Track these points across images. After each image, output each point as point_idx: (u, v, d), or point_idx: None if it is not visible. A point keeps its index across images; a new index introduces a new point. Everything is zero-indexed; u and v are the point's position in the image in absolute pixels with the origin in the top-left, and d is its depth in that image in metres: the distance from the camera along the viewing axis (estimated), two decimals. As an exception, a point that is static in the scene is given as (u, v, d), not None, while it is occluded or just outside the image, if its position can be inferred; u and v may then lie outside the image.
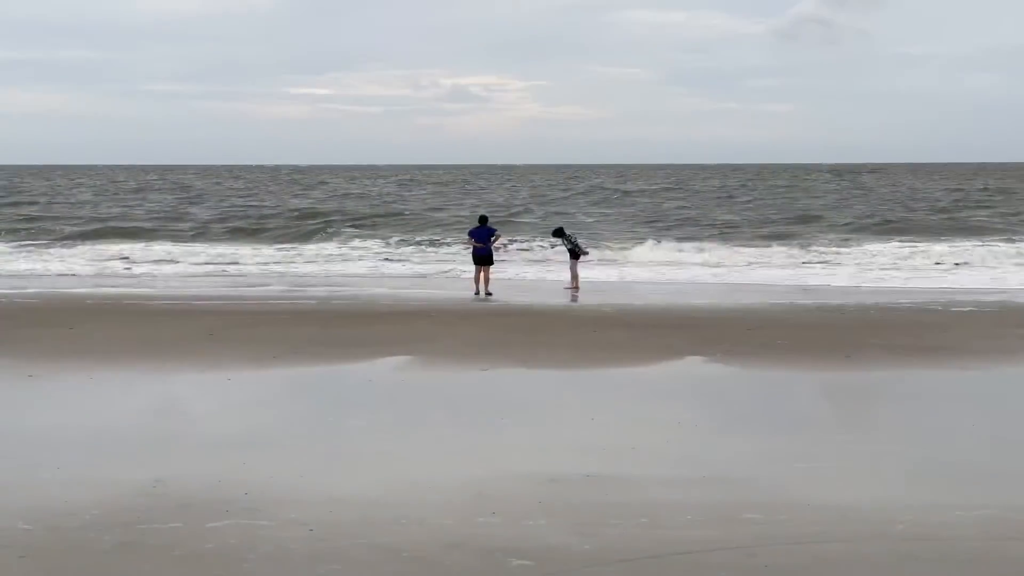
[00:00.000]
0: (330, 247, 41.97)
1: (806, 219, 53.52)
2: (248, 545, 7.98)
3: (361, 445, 11.08)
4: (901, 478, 9.85)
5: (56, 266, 35.04)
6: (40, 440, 11.26)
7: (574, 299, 25.17)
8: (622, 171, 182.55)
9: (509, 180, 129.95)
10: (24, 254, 39.35)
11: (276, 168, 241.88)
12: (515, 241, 40.50)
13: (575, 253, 27.39)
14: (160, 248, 41.05)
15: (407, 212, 60.86)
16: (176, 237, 45.63)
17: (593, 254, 32.16)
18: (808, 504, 8.94)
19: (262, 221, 53.78)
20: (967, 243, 39.98)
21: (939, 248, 38.43)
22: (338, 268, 34.68)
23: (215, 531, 8.26)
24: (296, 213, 58.93)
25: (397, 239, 44.13)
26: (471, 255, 26.50)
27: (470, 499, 9.06)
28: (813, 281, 29.74)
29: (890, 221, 51.65)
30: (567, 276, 27.46)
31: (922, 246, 39.29)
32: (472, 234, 26.68)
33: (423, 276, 31.92)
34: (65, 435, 11.48)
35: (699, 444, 11.13)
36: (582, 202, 73.96)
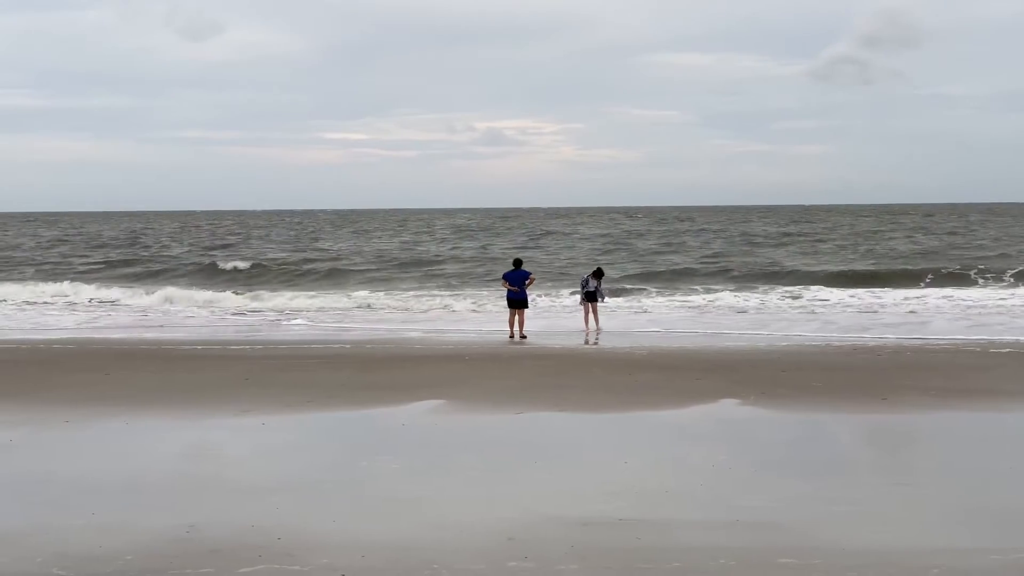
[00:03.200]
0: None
1: None
2: (280, 591, 7.98)
3: (393, 489, 11.07)
4: (937, 522, 9.75)
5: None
6: (75, 486, 11.33)
7: (595, 342, 25.09)
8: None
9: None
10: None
11: (310, 212, 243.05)
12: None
13: (594, 296, 27.43)
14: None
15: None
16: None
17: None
18: (843, 549, 8.85)
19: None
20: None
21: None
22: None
23: (247, 576, 8.27)
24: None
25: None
26: (506, 298, 26.56)
27: (502, 544, 9.03)
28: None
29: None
30: (599, 320, 27.47)
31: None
32: (507, 277, 26.75)
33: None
34: (99, 481, 11.55)
35: (733, 488, 11.05)
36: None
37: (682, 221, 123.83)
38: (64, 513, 10.19)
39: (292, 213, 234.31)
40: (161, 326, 30.40)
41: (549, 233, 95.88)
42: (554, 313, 33.17)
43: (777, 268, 49.09)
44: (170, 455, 12.92)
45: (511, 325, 25.67)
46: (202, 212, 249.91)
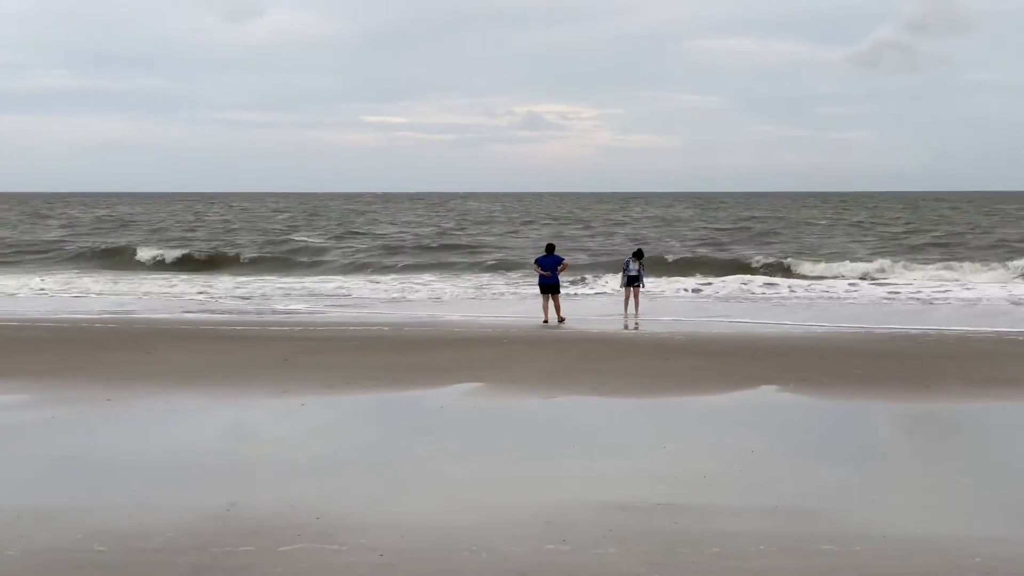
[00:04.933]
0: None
1: None
2: (319, 570, 8.02)
3: (431, 471, 11.10)
4: (979, 511, 9.65)
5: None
6: (116, 463, 11.44)
7: (635, 327, 25.02)
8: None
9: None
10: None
11: (354, 195, 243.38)
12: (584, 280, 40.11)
13: (635, 280, 27.32)
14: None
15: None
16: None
17: None
18: (883, 536, 8.79)
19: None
20: None
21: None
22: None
23: (287, 555, 8.32)
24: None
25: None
26: (538, 283, 26.53)
27: (540, 527, 9.03)
28: None
29: None
30: (639, 304, 27.39)
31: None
32: (539, 262, 26.68)
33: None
34: (141, 459, 11.65)
35: (772, 474, 11.00)
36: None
37: (726, 208, 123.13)
38: (105, 490, 10.29)
39: (334, 196, 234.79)
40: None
41: (588, 219, 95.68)
42: (592, 298, 33.10)
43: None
44: (211, 434, 13.01)
45: (545, 310, 25.62)
46: (245, 194, 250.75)
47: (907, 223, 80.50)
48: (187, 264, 48.31)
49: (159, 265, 48.28)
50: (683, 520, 9.24)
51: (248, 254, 51.71)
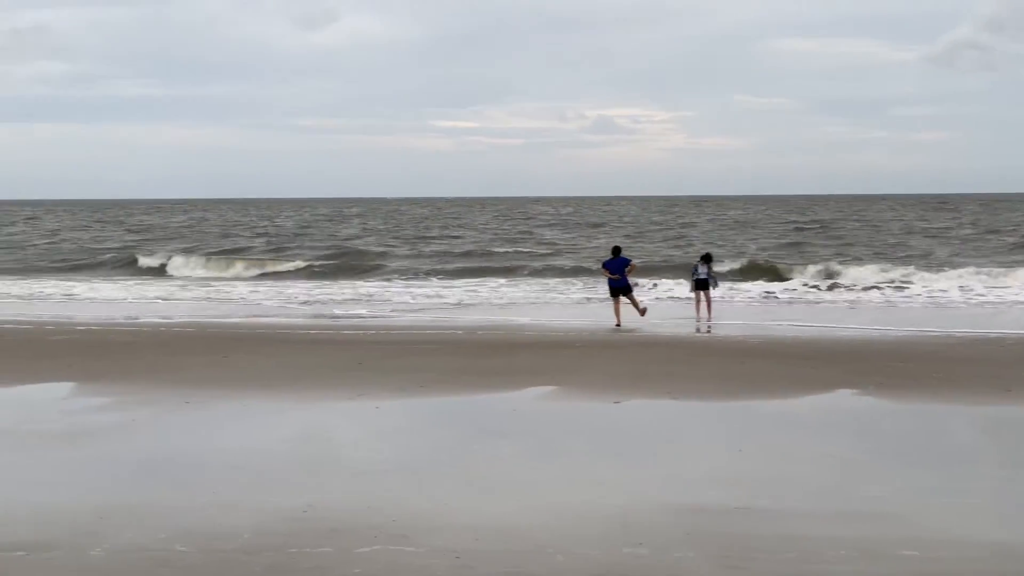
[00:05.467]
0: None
1: None
2: (396, 571, 8.07)
3: (506, 474, 11.11)
4: (1065, 516, 9.45)
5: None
6: (196, 465, 11.60)
7: (708, 330, 24.89)
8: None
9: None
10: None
11: (429, 200, 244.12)
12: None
13: (706, 283, 27.17)
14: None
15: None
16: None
17: None
18: (967, 542, 8.64)
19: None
20: None
21: None
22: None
23: (364, 556, 8.37)
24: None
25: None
26: (607, 287, 26.46)
27: (616, 529, 9.00)
28: None
29: None
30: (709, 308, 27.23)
31: None
32: (606, 265, 26.59)
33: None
34: (220, 460, 11.81)
35: (851, 478, 10.85)
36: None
37: (803, 211, 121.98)
38: (186, 491, 10.43)
39: (412, 200, 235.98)
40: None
41: (662, 222, 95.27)
42: (663, 301, 32.95)
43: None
44: (287, 436, 13.14)
45: (617, 313, 25.54)
46: (324, 199, 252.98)
47: (987, 227, 79.02)
48: (258, 270, 48.86)
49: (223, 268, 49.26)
50: (760, 524, 9.15)
51: (316, 259, 52.21)
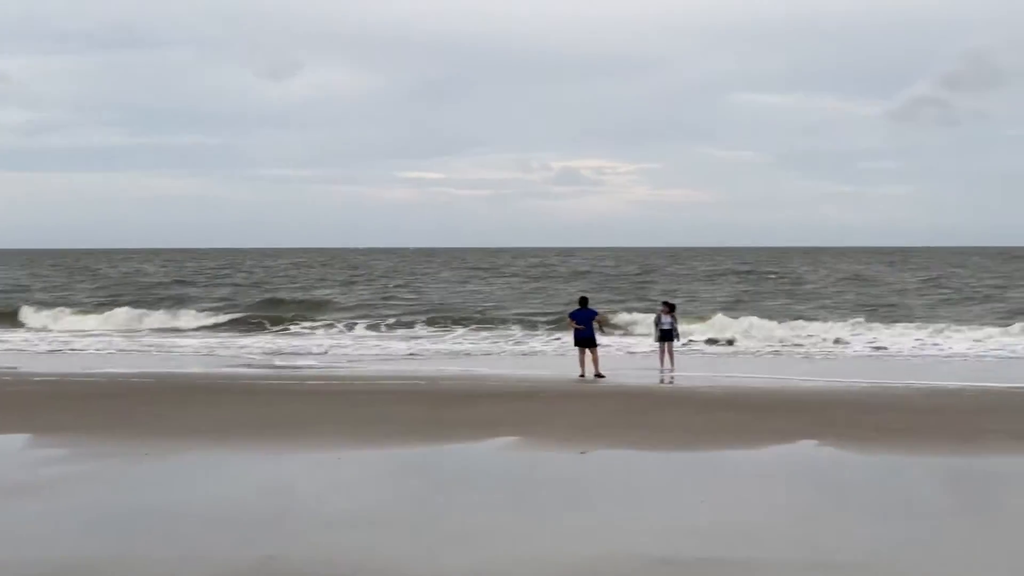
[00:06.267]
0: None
1: None
2: (358, 623, 7.96)
3: (470, 524, 11.04)
4: (1021, 568, 9.49)
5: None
6: (155, 517, 11.44)
7: (671, 381, 24.98)
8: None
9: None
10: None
11: (396, 250, 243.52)
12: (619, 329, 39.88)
13: (670, 334, 27.23)
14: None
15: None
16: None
17: None
18: (930, 592, 8.64)
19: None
20: None
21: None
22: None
23: (326, 609, 8.27)
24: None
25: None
26: (573, 337, 26.45)
27: (580, 581, 8.94)
28: None
29: None
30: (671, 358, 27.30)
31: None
32: (573, 316, 26.59)
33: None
34: (179, 512, 11.65)
35: (813, 529, 10.87)
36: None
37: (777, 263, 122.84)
38: (145, 544, 10.28)
39: (378, 251, 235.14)
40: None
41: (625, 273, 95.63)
42: (628, 352, 33.00)
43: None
44: (247, 487, 13.01)
45: (581, 364, 25.54)
46: (291, 249, 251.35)
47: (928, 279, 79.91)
48: (225, 321, 48.30)
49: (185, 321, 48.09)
50: (724, 574, 9.13)
51: (284, 312, 51.86)
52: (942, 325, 39.65)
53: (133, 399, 21.03)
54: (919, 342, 34.89)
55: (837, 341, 35.40)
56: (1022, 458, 14.84)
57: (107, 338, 39.61)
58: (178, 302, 56.05)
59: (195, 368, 28.30)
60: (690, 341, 33.17)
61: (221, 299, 59.19)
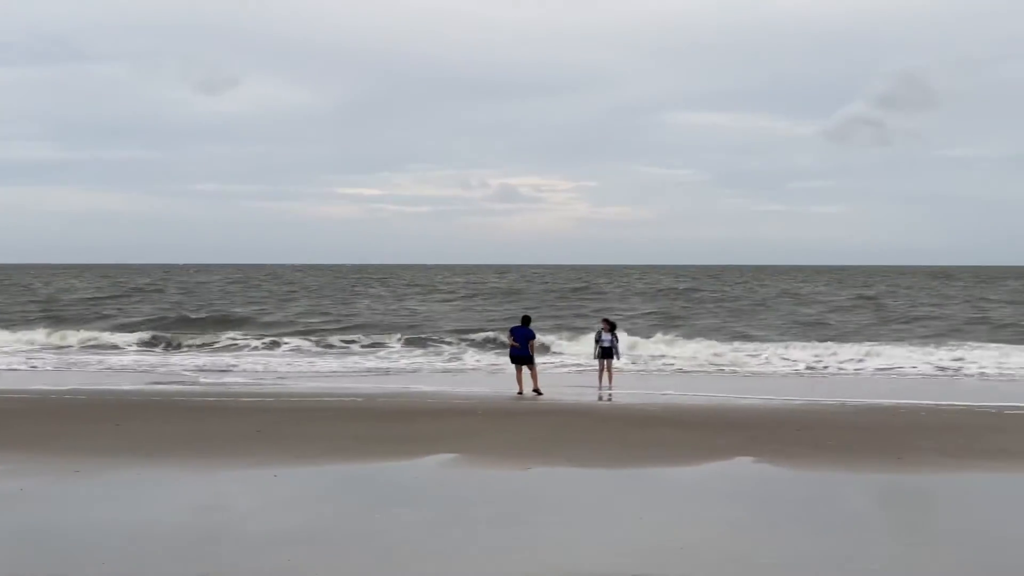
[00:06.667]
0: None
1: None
2: (293, 643, 7.86)
3: (407, 542, 10.95)
4: (959, 582, 9.59)
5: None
6: (85, 536, 11.25)
7: (609, 398, 25.05)
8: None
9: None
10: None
11: (334, 267, 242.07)
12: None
13: (610, 351, 27.30)
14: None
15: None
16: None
17: None
18: (864, 607, 8.70)
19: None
20: None
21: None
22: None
23: (259, 628, 8.15)
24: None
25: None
26: (509, 354, 26.42)
27: (517, 599, 8.89)
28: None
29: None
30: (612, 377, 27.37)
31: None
32: (513, 332, 26.56)
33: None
34: (110, 531, 11.45)
35: (749, 545, 10.91)
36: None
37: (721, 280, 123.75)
38: (74, 563, 10.09)
39: (313, 268, 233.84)
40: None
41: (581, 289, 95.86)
42: (567, 370, 33.05)
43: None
44: (181, 506, 12.82)
45: (519, 381, 25.53)
46: (233, 265, 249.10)
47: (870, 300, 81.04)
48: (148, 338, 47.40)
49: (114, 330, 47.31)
50: (662, 592, 9.13)
51: (216, 328, 51.32)
52: (875, 343, 40.27)
53: (62, 416, 20.68)
54: (852, 360, 35.35)
55: (769, 359, 35.74)
56: (952, 475, 15.03)
57: (33, 354, 38.95)
58: (108, 317, 55.33)
59: (126, 385, 27.89)
60: (632, 362, 33.24)
61: (151, 315, 58.48)
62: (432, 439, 17.43)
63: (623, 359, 29.58)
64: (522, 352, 25.79)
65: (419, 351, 40.40)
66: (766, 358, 36.07)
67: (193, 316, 57.21)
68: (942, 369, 32.58)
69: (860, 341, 41.35)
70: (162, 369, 33.50)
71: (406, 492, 13.62)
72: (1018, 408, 22.32)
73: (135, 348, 42.19)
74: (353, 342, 43.81)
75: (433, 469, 15.09)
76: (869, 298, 77.64)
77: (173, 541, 10.98)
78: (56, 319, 54.30)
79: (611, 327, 28.16)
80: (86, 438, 17.64)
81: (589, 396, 25.40)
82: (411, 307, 68.43)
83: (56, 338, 44.88)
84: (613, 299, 79.06)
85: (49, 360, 36.58)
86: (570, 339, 41.75)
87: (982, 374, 31.16)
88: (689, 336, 43.86)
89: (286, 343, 43.18)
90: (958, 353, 36.12)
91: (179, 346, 42.81)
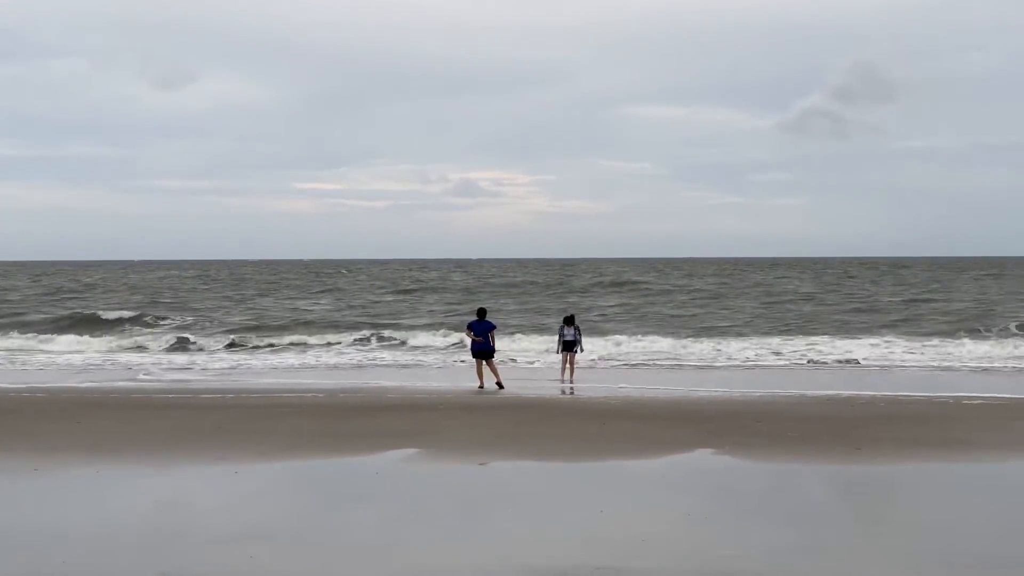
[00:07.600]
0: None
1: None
2: (254, 640, 7.85)
3: (368, 538, 10.96)
4: (911, 571, 9.71)
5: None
6: (44, 535, 11.15)
7: (570, 392, 25.12)
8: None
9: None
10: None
11: (295, 262, 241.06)
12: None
13: (573, 344, 27.36)
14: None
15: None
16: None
17: None
18: (822, 597, 8.79)
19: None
20: None
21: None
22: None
23: (221, 625, 8.14)
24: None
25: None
26: (469, 349, 26.44)
27: (479, 592, 8.92)
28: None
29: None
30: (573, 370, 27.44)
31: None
32: (471, 326, 26.56)
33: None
34: (69, 529, 11.38)
35: (710, 537, 11.00)
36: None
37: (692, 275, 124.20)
38: (33, 562, 10.02)
39: (271, 263, 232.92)
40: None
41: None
42: (527, 364, 33.11)
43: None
44: (141, 504, 12.76)
45: (480, 376, 25.55)
46: (189, 261, 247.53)
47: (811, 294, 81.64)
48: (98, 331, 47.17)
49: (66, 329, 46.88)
50: (622, 584, 9.18)
51: (174, 324, 51.04)
52: (834, 336, 40.66)
53: (19, 414, 20.50)
54: (812, 350, 35.68)
55: (730, 352, 35.97)
56: (911, 465, 15.20)
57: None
58: (70, 314, 54.87)
59: (87, 383, 27.67)
60: (596, 360, 33.28)
61: (116, 308, 58.03)
62: (393, 434, 17.43)
63: (585, 352, 29.65)
64: (484, 347, 25.82)
65: (379, 346, 40.33)
66: (727, 350, 36.30)
67: (154, 312, 56.83)
68: (904, 361, 32.91)
69: (819, 333, 41.74)
70: (121, 365, 33.27)
71: (367, 487, 13.62)
72: (975, 397, 22.58)
73: (99, 345, 41.77)
74: (313, 337, 43.63)
75: (394, 464, 15.09)
76: (834, 288, 78.24)
77: (134, 539, 10.93)
78: (10, 315, 53.78)
79: (571, 321, 28.23)
80: (47, 437, 17.48)
81: (551, 390, 25.46)
82: (370, 301, 68.32)
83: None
84: (575, 292, 79.22)
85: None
86: (530, 333, 41.84)
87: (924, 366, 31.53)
88: (648, 329, 44.09)
89: (248, 337, 42.98)
90: (919, 343, 36.55)
91: (141, 342, 42.52)
